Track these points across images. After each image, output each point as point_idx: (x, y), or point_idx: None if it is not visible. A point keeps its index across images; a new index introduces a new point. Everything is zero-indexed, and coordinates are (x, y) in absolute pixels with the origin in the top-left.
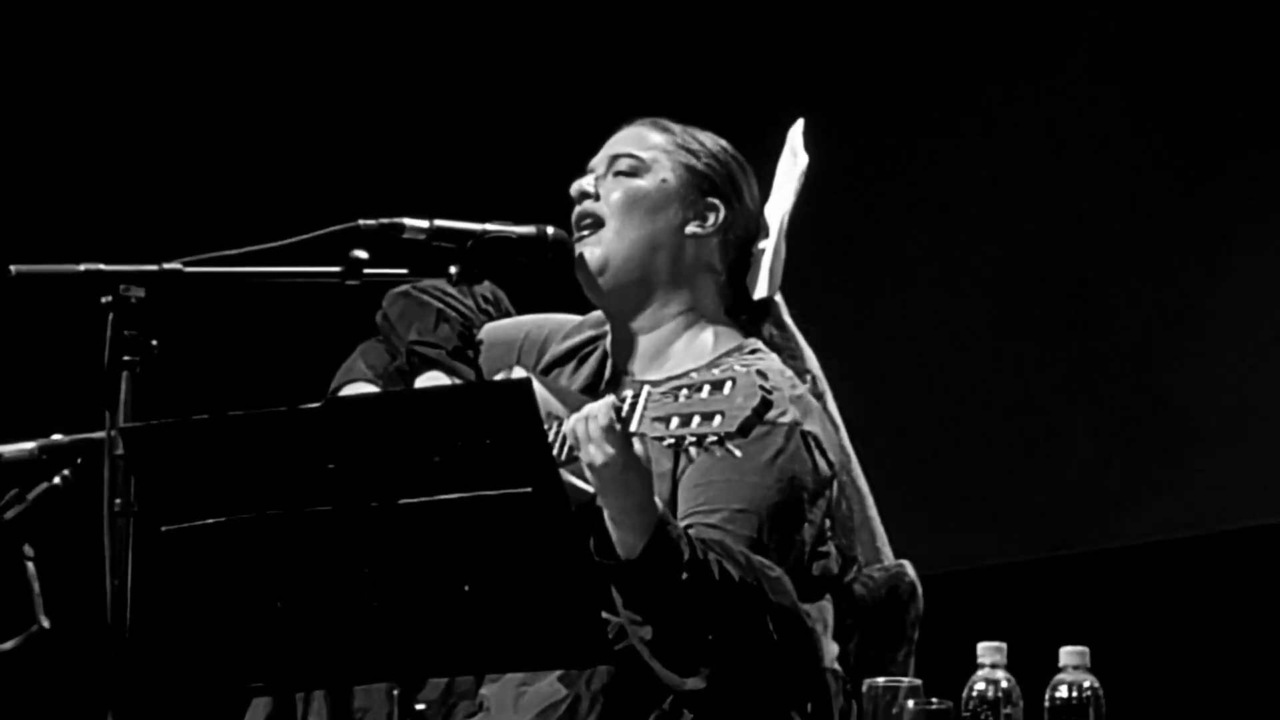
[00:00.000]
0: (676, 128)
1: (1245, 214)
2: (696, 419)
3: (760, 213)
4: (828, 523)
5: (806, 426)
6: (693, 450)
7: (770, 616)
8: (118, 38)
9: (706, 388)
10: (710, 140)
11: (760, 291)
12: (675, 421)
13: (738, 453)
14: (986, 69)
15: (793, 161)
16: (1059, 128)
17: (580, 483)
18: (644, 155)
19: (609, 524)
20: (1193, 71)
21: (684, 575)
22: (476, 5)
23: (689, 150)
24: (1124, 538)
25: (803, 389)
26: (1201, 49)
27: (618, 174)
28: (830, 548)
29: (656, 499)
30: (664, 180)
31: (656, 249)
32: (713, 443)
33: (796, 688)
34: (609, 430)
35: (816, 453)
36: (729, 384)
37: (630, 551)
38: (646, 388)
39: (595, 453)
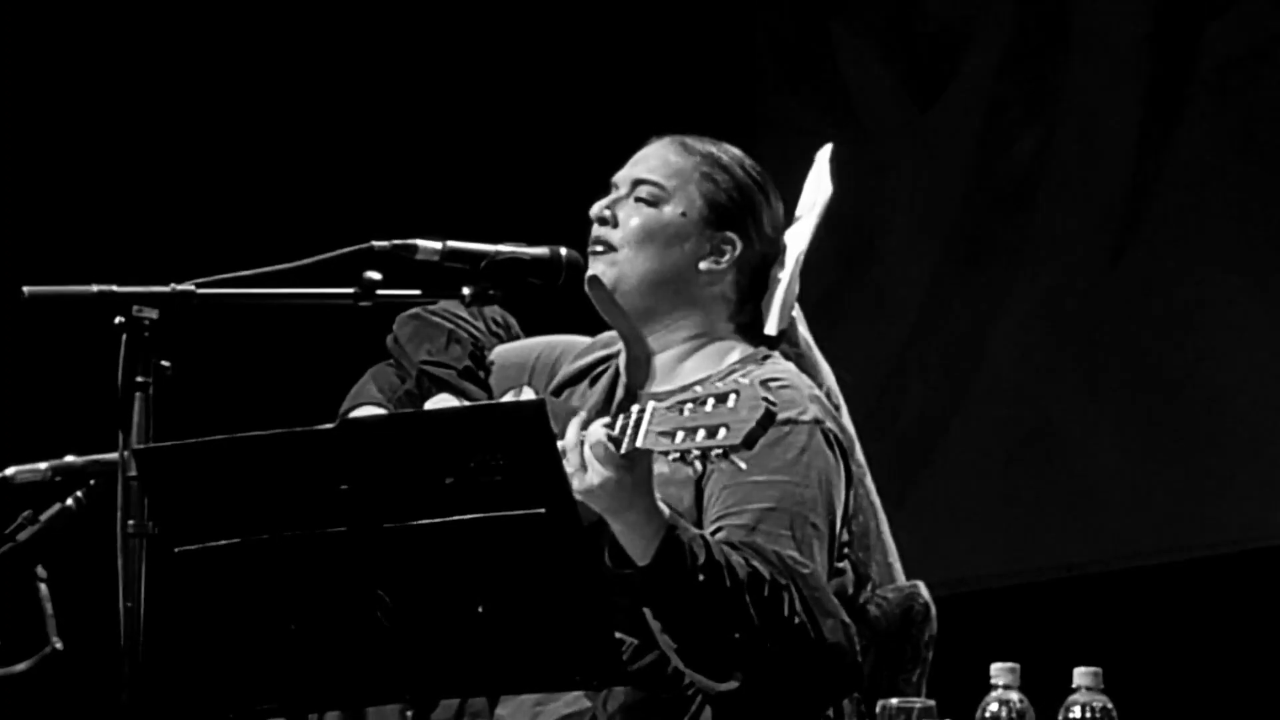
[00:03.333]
0: (702, 149)
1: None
2: (701, 432)
3: (780, 236)
4: (845, 535)
5: (828, 424)
6: (698, 464)
7: (805, 614)
8: (131, 59)
9: (711, 401)
10: (734, 164)
11: (771, 328)
12: (680, 435)
13: (743, 464)
14: (1003, 76)
15: (816, 188)
16: (1090, 128)
17: None
18: (667, 184)
19: (621, 541)
20: (1216, 81)
21: (700, 578)
22: (490, 29)
23: (711, 179)
24: (1138, 559)
25: (819, 391)
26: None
27: (638, 200)
28: (846, 565)
29: (663, 506)
30: (683, 213)
31: (667, 282)
32: (718, 455)
33: (837, 683)
34: (601, 449)
35: (837, 450)
36: (733, 397)
37: (644, 561)
38: (651, 403)
39: (591, 476)
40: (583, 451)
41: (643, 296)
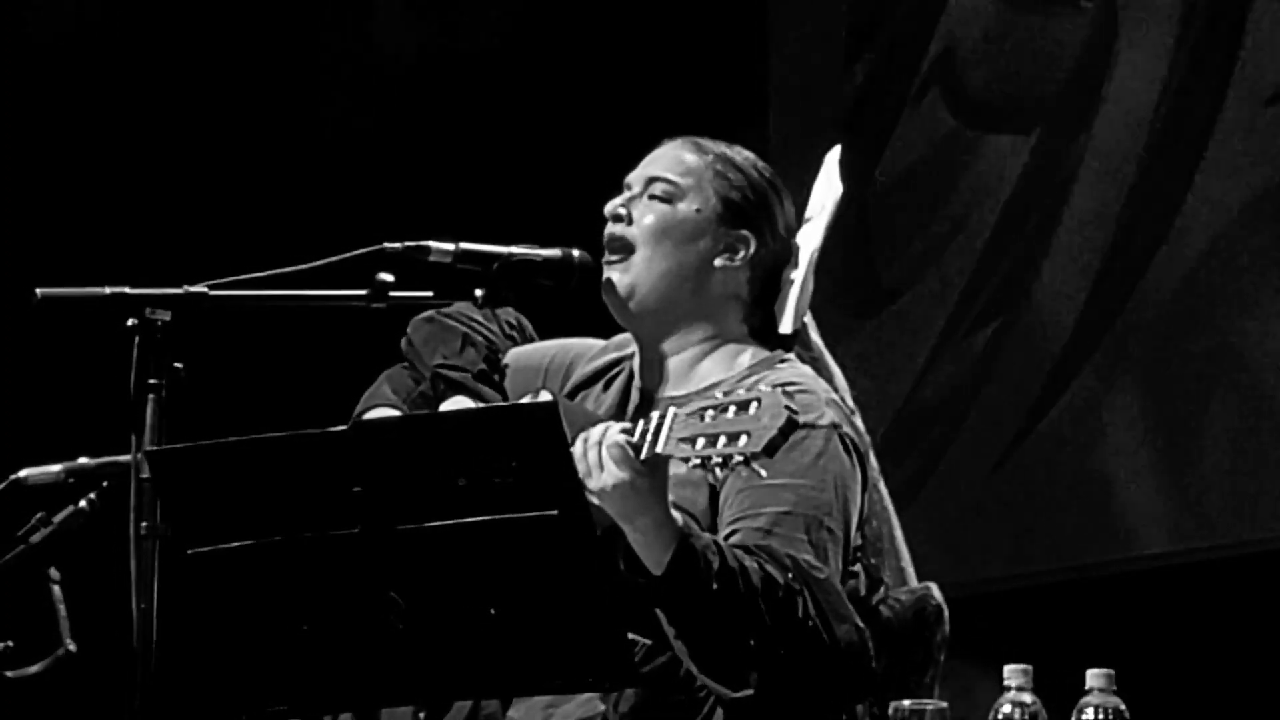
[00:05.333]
0: (715, 149)
1: None
2: (722, 439)
3: (792, 238)
4: (859, 539)
5: (845, 429)
6: (719, 471)
7: (820, 619)
8: (143, 61)
9: (732, 408)
10: (747, 164)
11: (785, 326)
12: (701, 442)
13: (763, 472)
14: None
15: (826, 189)
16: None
17: None
18: (680, 181)
19: (634, 546)
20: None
21: (714, 585)
22: (502, 30)
23: (725, 178)
24: (1151, 560)
25: (835, 395)
26: None
27: (652, 197)
28: (859, 568)
29: (675, 513)
30: (697, 210)
31: (683, 280)
32: (738, 463)
33: (851, 688)
34: (618, 450)
35: (854, 455)
36: (754, 404)
37: (658, 568)
38: (672, 409)
39: (606, 477)
40: (599, 452)
41: (659, 297)
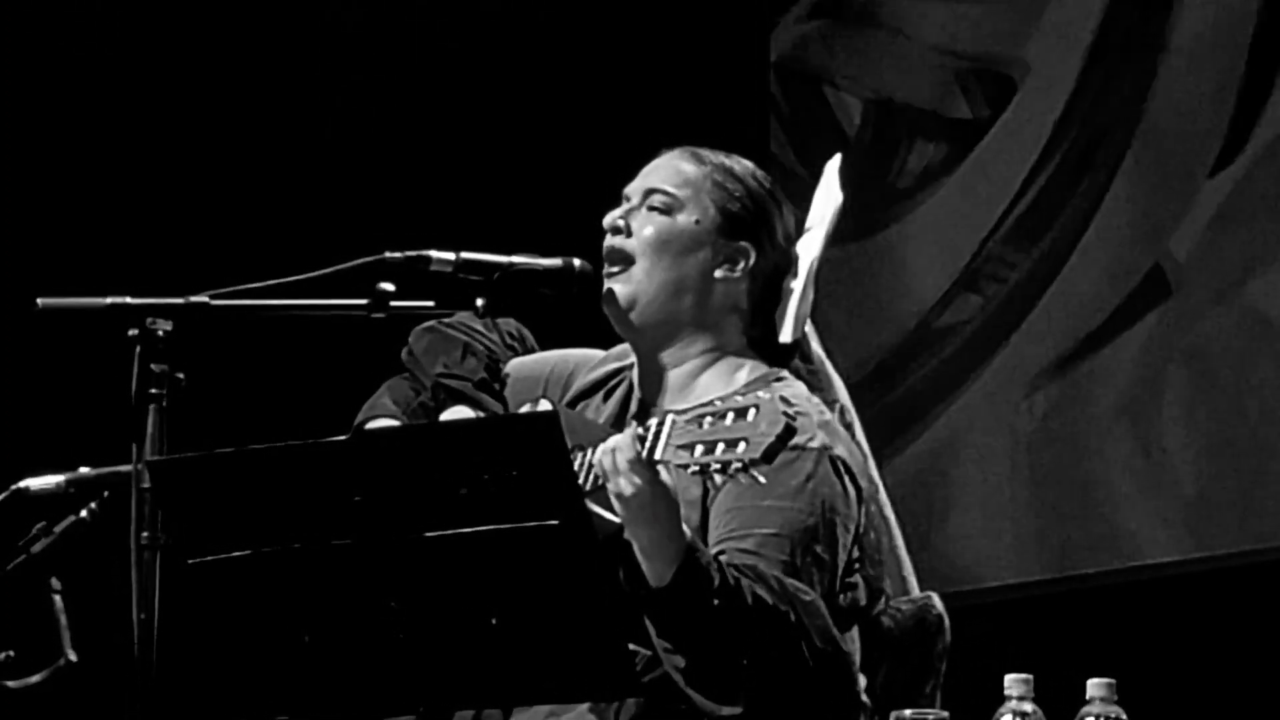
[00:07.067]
0: (714, 159)
1: None
2: (721, 446)
3: (792, 247)
4: (856, 552)
5: (835, 451)
6: (718, 477)
7: (805, 641)
8: (144, 70)
9: (730, 415)
10: (746, 174)
11: (785, 335)
12: (699, 449)
13: (762, 479)
14: None
15: (826, 198)
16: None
17: (606, 513)
18: (678, 192)
19: (639, 555)
20: None
21: (715, 601)
22: (503, 41)
23: (724, 188)
24: (1153, 570)
25: (830, 415)
26: None
27: (651, 209)
28: (858, 579)
29: (685, 527)
30: (696, 221)
31: (683, 292)
32: (737, 469)
33: (832, 712)
34: (635, 461)
35: (846, 477)
36: (753, 410)
37: (660, 580)
38: (670, 416)
39: (623, 484)
40: (614, 459)
41: (660, 309)
